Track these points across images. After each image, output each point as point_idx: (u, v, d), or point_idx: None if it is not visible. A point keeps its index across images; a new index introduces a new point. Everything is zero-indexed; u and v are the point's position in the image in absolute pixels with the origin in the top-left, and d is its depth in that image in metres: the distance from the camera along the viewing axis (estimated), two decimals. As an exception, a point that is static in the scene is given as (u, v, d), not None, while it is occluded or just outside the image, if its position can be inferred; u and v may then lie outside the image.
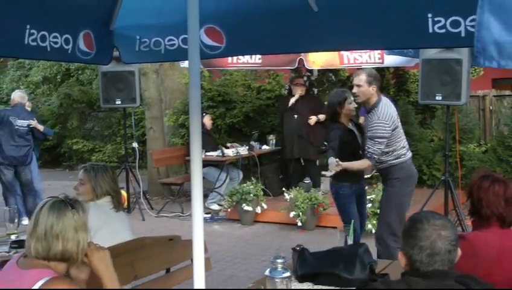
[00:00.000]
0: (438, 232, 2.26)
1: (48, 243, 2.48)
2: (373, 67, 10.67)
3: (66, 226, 2.50)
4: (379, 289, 2.30)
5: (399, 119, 5.66)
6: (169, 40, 4.24)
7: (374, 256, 3.45)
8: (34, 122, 9.07)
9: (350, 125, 5.83)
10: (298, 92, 9.74)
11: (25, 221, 8.18)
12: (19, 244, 4.20)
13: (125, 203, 9.71)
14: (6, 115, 8.89)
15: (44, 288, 2.37)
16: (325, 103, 10.66)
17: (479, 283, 2.34)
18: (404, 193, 5.77)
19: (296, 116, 9.68)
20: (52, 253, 2.48)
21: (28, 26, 3.70)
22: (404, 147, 5.68)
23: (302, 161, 9.88)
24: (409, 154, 5.78)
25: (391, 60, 9.47)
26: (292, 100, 9.72)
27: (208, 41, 4.05)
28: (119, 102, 9.51)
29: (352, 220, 4.38)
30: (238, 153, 9.85)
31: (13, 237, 4.38)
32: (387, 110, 5.51)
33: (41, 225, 2.49)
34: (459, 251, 2.35)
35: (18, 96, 9.27)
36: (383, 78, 10.73)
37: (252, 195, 8.69)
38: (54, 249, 2.48)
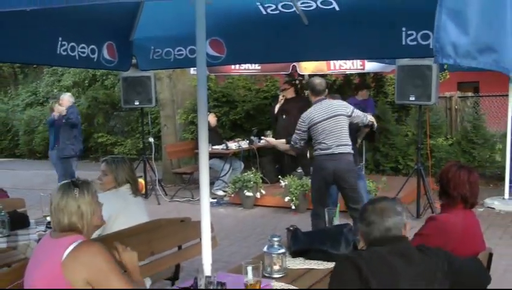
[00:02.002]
0: (373, 207, 2.41)
1: (57, 218, 2.54)
2: (355, 73, 10.81)
3: (68, 202, 2.54)
4: (351, 256, 2.35)
5: (324, 121, 5.57)
6: (178, 50, 4.25)
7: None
8: None
9: None
10: (280, 97, 9.66)
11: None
12: (54, 224, 4.24)
13: (143, 190, 9.71)
14: (78, 113, 9.17)
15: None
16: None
17: (431, 248, 2.43)
18: (313, 181, 6.01)
19: (284, 116, 9.53)
20: (61, 226, 2.53)
21: (60, 38, 3.72)
22: (321, 144, 5.58)
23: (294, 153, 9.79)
24: (325, 151, 5.57)
25: (371, 66, 9.48)
26: (276, 108, 9.66)
27: (211, 51, 4.05)
28: (138, 103, 9.52)
29: (338, 204, 4.38)
30: (239, 146, 9.86)
31: (48, 219, 4.40)
32: (308, 111, 5.74)
33: (52, 203, 2.57)
34: (408, 225, 2.43)
35: (71, 96, 9.44)
36: (364, 82, 10.74)
37: (252, 182, 8.69)
38: (62, 222, 2.53)
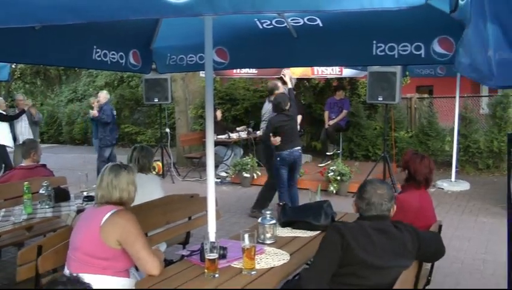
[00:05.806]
0: (375, 191, 2.35)
1: (109, 192, 2.57)
2: (334, 77, 10.78)
3: (120, 181, 2.59)
4: (338, 225, 2.33)
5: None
6: (190, 56, 4.23)
7: (335, 208, 3.44)
8: None
9: None
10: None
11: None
12: (89, 198, 4.25)
13: (161, 171, 9.72)
14: (112, 109, 9.25)
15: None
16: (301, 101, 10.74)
17: (404, 224, 2.43)
18: None
19: None
20: (113, 199, 2.57)
21: (95, 47, 3.72)
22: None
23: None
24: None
25: (347, 72, 9.46)
26: None
27: (217, 58, 4.03)
28: (157, 100, 9.48)
29: (319, 184, 4.38)
30: (239, 136, 9.84)
31: (85, 193, 4.42)
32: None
33: (104, 180, 2.59)
34: (395, 207, 2.42)
35: (107, 93, 9.43)
36: (341, 84, 10.70)
37: (249, 166, 8.69)
38: (113, 196, 2.57)
